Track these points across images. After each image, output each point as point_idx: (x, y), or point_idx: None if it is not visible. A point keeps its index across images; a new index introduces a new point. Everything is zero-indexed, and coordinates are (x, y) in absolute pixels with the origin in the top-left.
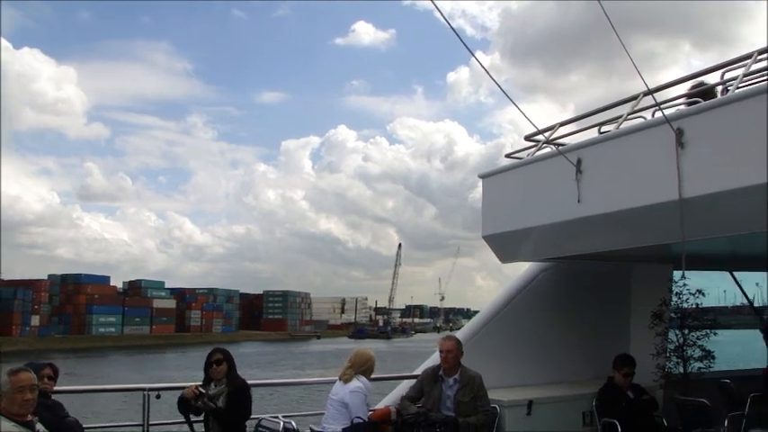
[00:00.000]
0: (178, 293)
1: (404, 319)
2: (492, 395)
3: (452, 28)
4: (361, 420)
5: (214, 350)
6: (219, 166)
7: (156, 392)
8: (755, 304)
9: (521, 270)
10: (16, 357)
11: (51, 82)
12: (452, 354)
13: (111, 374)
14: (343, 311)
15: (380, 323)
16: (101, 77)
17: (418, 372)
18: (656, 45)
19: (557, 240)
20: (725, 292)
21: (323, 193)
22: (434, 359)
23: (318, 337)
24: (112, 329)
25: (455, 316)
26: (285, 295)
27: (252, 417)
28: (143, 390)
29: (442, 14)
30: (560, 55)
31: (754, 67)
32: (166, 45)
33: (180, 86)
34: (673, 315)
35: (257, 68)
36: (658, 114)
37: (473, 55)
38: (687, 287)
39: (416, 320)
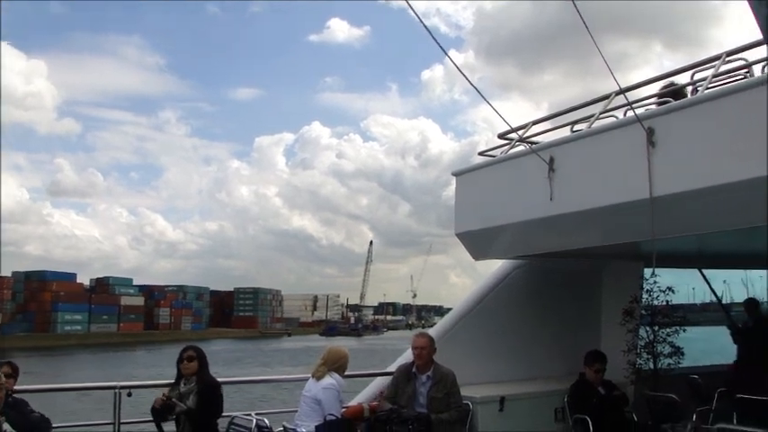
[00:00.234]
0: (146, 291)
1: (376, 317)
2: (465, 392)
3: (426, 26)
4: (335, 417)
5: (187, 347)
6: (192, 162)
7: (128, 390)
8: (723, 301)
9: (494, 267)
10: None
11: (21, 76)
12: (425, 351)
13: (75, 373)
14: (315, 309)
15: (352, 320)
16: (72, 72)
17: (392, 369)
18: (628, 45)
19: (529, 238)
20: (694, 289)
21: (296, 189)
22: (407, 356)
23: (289, 335)
24: (78, 327)
25: (428, 313)
26: (256, 292)
27: (224, 415)
28: (114, 388)
29: (415, 13)
30: (535, 54)
31: (723, 68)
32: (138, 39)
33: (152, 81)
34: (643, 312)
35: (231, 64)
36: (630, 114)
37: (446, 54)
38: (657, 284)
39: (389, 318)
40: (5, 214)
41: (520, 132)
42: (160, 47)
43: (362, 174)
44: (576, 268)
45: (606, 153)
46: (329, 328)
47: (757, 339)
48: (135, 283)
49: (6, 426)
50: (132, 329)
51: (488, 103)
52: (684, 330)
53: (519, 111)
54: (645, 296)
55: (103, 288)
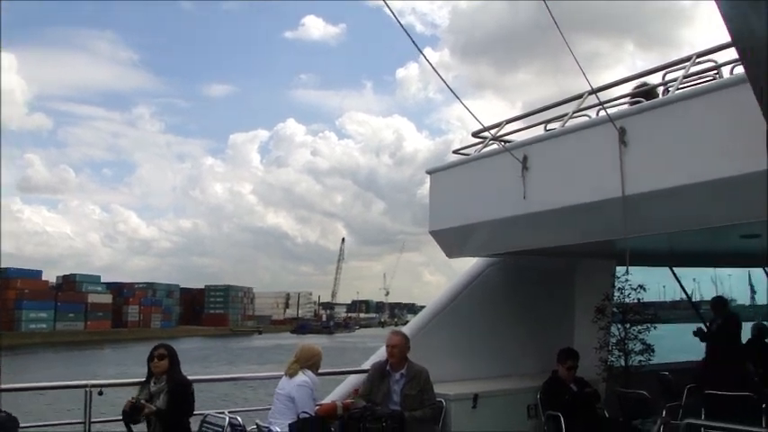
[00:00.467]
0: (115, 288)
1: (349, 314)
2: (438, 389)
3: (401, 24)
4: (308, 415)
5: (158, 345)
6: (166, 159)
7: (99, 389)
8: (693, 299)
9: (468, 265)
10: None
11: None
12: (398, 349)
13: (40, 372)
14: (287, 306)
15: (324, 318)
16: (43, 66)
17: (366, 366)
18: (600, 45)
19: (502, 236)
20: (664, 287)
21: (271, 187)
22: (381, 354)
23: (260, 333)
24: (44, 326)
25: (401, 311)
26: (227, 290)
27: (196, 413)
28: (85, 386)
29: (391, 11)
30: (509, 52)
31: (693, 69)
32: (111, 34)
33: (125, 77)
34: (615, 310)
35: (206, 60)
36: (602, 113)
37: (421, 52)
38: (629, 282)
39: (362, 315)
40: None
41: (494, 131)
42: (133, 42)
43: (337, 171)
44: (550, 266)
45: (579, 152)
46: (300, 326)
47: (724, 337)
48: (108, 280)
49: None
50: (100, 327)
51: (461, 101)
52: (655, 328)
53: (493, 109)
54: (617, 294)
55: (70, 286)
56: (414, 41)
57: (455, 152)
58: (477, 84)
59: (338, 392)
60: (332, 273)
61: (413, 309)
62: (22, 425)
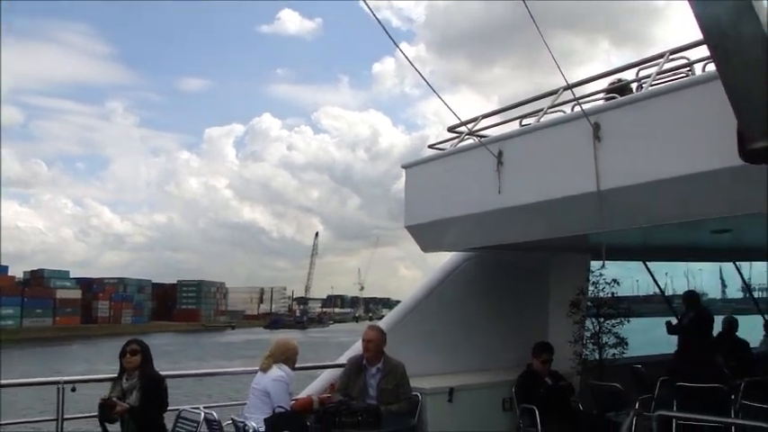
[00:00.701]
0: (84, 283)
1: (324, 309)
2: (414, 383)
3: (377, 19)
4: (284, 409)
5: (130, 340)
6: (140, 153)
7: (72, 385)
8: (666, 293)
9: (444, 260)
10: None
11: None
12: (373, 343)
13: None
14: (261, 301)
15: (298, 313)
16: (14, 59)
17: (342, 360)
18: (574, 41)
19: (478, 231)
20: (638, 281)
21: (247, 182)
22: (357, 348)
23: (233, 328)
24: (10, 322)
25: (376, 306)
26: (200, 285)
27: (170, 409)
28: (57, 383)
29: (367, 5)
30: (485, 47)
31: (666, 66)
32: (84, 26)
33: (98, 70)
34: (589, 304)
35: (180, 54)
36: (577, 109)
37: (397, 46)
38: (603, 277)
39: (337, 310)
40: None
41: (469, 126)
42: (106, 35)
43: (313, 166)
44: (525, 261)
45: (554, 147)
46: (274, 321)
47: (696, 330)
48: (82, 275)
49: None
50: (69, 323)
51: (438, 96)
52: (629, 321)
53: (469, 104)
54: (591, 288)
55: (38, 281)
56: (390, 36)
57: (431, 147)
58: (452, 78)
59: (314, 387)
60: (307, 267)
61: (388, 303)
62: None
